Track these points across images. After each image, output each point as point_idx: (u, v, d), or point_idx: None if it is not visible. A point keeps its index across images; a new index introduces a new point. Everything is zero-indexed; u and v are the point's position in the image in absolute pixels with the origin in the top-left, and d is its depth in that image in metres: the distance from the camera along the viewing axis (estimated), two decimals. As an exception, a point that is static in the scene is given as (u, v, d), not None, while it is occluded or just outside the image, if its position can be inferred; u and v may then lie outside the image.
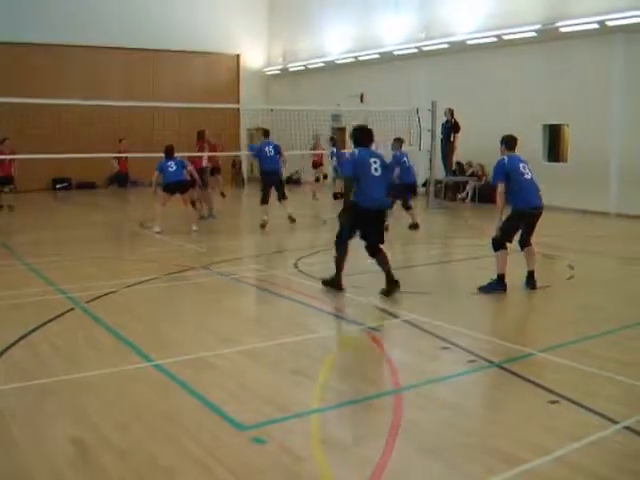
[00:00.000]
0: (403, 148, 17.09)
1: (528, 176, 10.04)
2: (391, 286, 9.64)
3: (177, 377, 6.40)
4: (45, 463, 4.74)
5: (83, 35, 28.12)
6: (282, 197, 16.83)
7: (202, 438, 5.10)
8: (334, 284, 9.93)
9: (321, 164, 25.24)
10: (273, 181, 16.69)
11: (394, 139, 17.16)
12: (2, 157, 19.24)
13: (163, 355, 7.02)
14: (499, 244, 10.01)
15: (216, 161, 19.49)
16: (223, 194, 20.03)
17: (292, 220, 16.96)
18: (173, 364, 6.77)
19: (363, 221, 9.61)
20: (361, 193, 9.48)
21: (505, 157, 10.21)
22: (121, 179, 22.34)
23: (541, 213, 10.18)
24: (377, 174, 9.58)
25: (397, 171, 15.77)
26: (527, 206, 10.02)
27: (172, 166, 15.76)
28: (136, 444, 5.03)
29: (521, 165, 10.08)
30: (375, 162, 9.64)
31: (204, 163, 18.33)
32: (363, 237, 9.71)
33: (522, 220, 10.13)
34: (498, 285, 9.92)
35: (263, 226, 16.15)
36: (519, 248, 10.25)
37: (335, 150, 21.75)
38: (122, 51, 29.42)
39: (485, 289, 9.92)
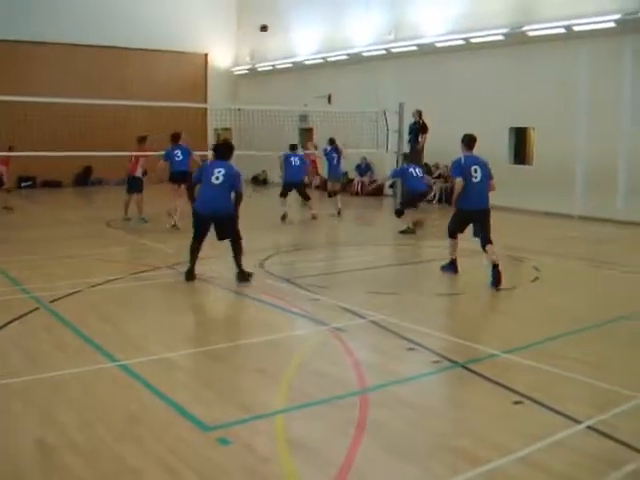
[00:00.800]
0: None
1: (476, 179, 10.92)
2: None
3: (142, 377, 6.37)
4: (9, 464, 4.70)
5: (50, 32, 27.79)
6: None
7: (167, 439, 5.09)
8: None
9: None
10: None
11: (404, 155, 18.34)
12: None
13: (128, 355, 6.98)
14: (450, 234, 11.38)
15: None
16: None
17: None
18: (138, 364, 6.74)
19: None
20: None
21: (462, 157, 11.13)
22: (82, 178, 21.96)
23: (487, 213, 11.09)
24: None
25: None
26: (469, 207, 10.98)
27: (179, 155, 15.87)
28: (101, 445, 5.00)
29: (473, 168, 10.94)
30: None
31: (137, 172, 17.69)
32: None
33: (465, 218, 11.14)
34: (450, 267, 11.40)
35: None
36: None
37: (328, 149, 21.33)
38: (90, 48, 29.08)
39: (444, 268, 11.45)
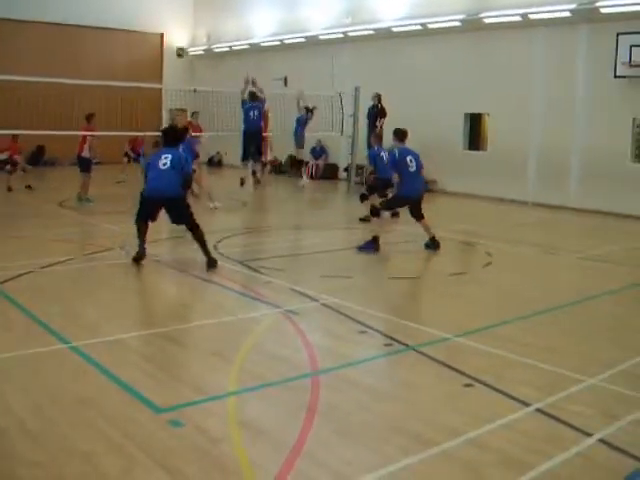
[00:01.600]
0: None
1: (413, 169, 12.11)
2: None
3: (93, 359, 6.31)
4: (-45, 446, 4.64)
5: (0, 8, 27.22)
6: None
7: (119, 421, 5.06)
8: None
9: None
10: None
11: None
12: None
13: (79, 337, 6.92)
14: (377, 213, 12.68)
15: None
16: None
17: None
18: (89, 346, 6.68)
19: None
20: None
21: (396, 150, 12.31)
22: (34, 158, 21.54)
23: (422, 198, 12.47)
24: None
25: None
26: (408, 195, 12.19)
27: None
28: (51, 428, 4.96)
29: (408, 158, 12.11)
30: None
31: (84, 152, 17.54)
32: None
33: (403, 204, 12.63)
34: (372, 244, 11.85)
35: None
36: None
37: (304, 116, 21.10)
38: (41, 25, 28.54)
39: (362, 248, 11.88)
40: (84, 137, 17.56)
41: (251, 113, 18.18)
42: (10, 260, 10.35)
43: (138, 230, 10.50)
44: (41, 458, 4.52)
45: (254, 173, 19.01)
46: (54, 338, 6.91)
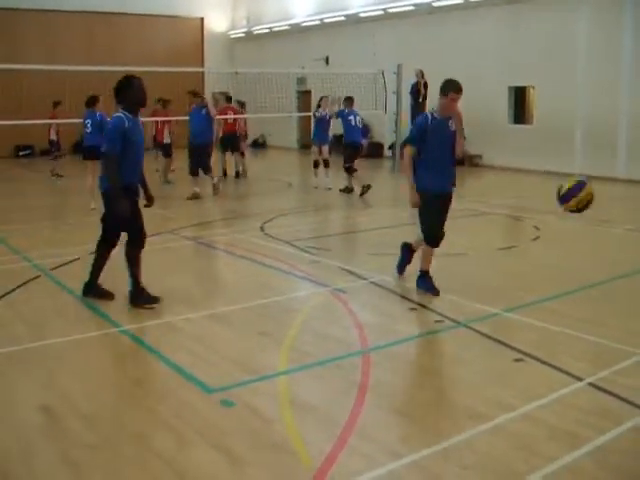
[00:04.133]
0: (355, 108, 16.68)
1: (353, 123, 15.99)
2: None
3: (144, 342, 6.39)
4: (14, 431, 4.71)
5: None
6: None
7: (170, 402, 5.11)
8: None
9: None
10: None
11: (345, 97, 17.05)
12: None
13: (130, 320, 7.01)
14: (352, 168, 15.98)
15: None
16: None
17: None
18: (141, 329, 6.77)
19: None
20: None
21: (345, 109, 16.28)
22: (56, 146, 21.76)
23: (361, 147, 16.22)
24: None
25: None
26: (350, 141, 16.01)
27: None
28: (106, 410, 5.03)
29: (351, 116, 16.05)
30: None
31: (166, 138, 18.24)
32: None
33: (348, 150, 15.98)
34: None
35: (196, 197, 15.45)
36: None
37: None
38: (82, 15, 28.83)
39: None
40: (163, 123, 17.85)
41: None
42: (60, 247, 10.50)
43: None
44: (95, 440, 4.58)
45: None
46: (105, 322, 7.01)
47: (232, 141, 19.04)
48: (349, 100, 16.64)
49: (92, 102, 13.75)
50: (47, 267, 9.23)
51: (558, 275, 8.86)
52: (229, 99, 20.39)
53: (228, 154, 19.45)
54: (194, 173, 15.55)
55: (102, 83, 22.77)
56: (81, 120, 14.22)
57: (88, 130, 13.71)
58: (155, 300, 7.49)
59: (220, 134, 18.44)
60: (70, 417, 4.89)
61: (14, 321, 7.10)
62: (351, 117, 16.20)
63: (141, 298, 7.47)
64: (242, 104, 21.13)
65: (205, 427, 4.71)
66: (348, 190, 16.32)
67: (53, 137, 19.12)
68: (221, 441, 4.53)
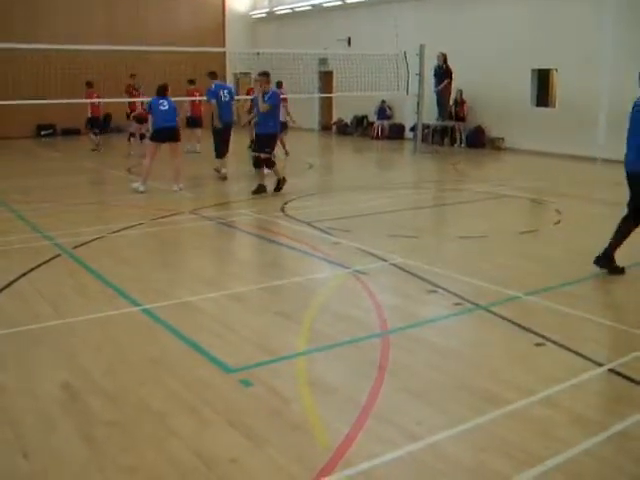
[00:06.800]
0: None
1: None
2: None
3: (164, 321, 6.41)
4: (35, 408, 4.76)
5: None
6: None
7: (190, 381, 5.13)
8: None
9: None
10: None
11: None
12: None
13: (150, 299, 7.03)
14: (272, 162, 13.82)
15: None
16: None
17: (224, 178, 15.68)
18: (160, 308, 6.78)
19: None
20: None
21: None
22: (97, 123, 22.31)
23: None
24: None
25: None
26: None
27: (165, 105, 14.06)
28: (125, 388, 5.06)
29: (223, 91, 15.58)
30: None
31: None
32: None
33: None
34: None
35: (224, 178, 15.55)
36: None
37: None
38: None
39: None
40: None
41: None
42: (81, 226, 10.55)
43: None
44: (116, 417, 4.61)
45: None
46: (125, 301, 7.04)
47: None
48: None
49: (164, 90, 14.28)
50: (68, 246, 9.27)
51: (580, 259, 8.78)
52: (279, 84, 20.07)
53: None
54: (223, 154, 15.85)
55: (124, 63, 23.11)
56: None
57: (167, 113, 14.01)
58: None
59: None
60: (91, 395, 4.92)
61: (36, 299, 7.14)
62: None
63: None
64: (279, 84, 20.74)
65: (224, 406, 4.73)
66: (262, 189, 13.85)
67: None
68: (240, 420, 4.54)
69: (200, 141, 20.82)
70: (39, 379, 5.20)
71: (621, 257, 8.15)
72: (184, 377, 5.21)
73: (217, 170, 15.71)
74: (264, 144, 13.60)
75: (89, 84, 21.69)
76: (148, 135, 15.96)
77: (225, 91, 15.89)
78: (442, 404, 4.80)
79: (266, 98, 13.33)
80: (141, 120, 19.57)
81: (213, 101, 15.71)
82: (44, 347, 5.87)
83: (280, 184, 13.77)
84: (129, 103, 21.47)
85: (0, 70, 20.69)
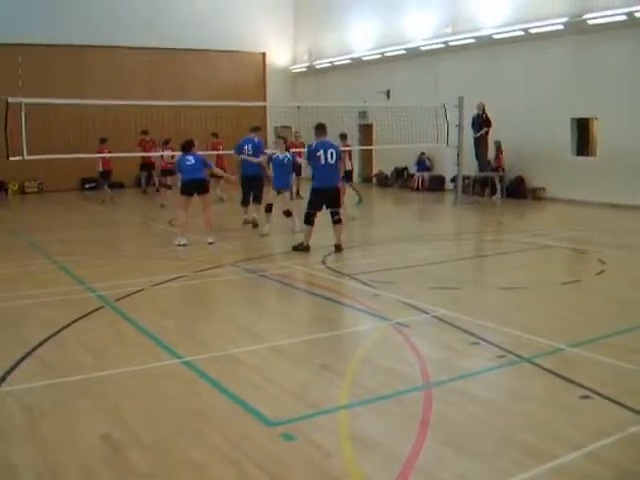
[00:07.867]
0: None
1: (324, 161, 12.66)
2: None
3: (205, 373, 6.41)
4: (76, 459, 4.77)
5: (103, 36, 28.23)
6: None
7: (231, 434, 5.11)
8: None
9: None
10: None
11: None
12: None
13: (192, 352, 7.05)
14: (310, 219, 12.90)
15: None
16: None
17: (254, 225, 16.10)
18: (201, 361, 6.79)
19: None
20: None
21: (313, 143, 13.03)
22: (108, 177, 23.76)
23: (336, 190, 13.10)
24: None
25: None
26: (320, 186, 12.77)
27: (190, 160, 14.05)
28: (165, 440, 5.05)
29: (322, 151, 12.68)
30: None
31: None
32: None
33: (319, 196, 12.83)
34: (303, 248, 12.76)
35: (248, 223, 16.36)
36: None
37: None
38: (146, 51, 29.47)
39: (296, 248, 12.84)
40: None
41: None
42: (124, 278, 10.65)
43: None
44: (154, 469, 4.60)
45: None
46: (167, 353, 7.06)
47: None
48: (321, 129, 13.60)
49: (190, 145, 14.32)
50: (111, 298, 9.36)
51: (625, 309, 8.67)
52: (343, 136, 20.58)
53: None
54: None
55: (166, 117, 23.53)
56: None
57: (193, 167, 14.01)
58: None
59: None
60: (132, 447, 4.92)
61: (78, 351, 7.20)
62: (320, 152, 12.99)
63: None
64: (344, 136, 20.81)
65: (265, 460, 4.70)
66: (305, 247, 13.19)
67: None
68: (280, 474, 4.50)
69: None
70: (80, 430, 5.22)
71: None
72: (225, 430, 5.19)
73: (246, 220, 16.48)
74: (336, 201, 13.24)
75: (103, 140, 22.73)
76: (176, 188, 16.61)
77: (249, 145, 16.20)
78: (486, 458, 4.72)
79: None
80: (165, 173, 20.98)
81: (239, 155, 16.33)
82: (85, 399, 5.90)
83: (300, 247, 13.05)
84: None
85: (47, 125, 21.10)
